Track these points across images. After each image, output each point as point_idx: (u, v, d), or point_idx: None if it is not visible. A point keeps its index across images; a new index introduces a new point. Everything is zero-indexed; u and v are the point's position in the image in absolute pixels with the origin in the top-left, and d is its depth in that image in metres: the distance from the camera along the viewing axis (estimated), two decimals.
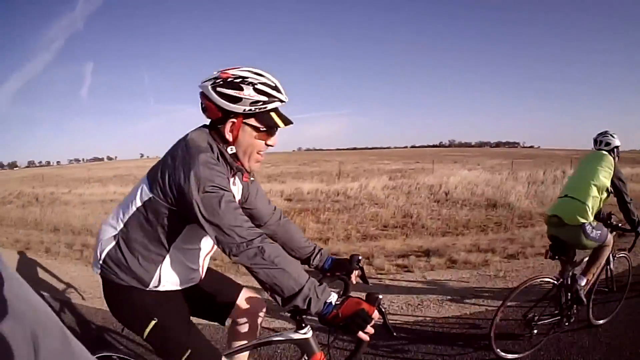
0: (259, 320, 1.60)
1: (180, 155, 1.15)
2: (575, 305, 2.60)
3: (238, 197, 1.40)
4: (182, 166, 1.12)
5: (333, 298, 1.10)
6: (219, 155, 1.21)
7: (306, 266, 1.54)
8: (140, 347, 2.36)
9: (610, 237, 2.67)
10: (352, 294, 1.26)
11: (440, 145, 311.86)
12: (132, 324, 1.28)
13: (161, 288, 1.27)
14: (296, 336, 1.30)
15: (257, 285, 1.16)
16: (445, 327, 2.92)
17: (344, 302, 1.09)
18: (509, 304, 2.44)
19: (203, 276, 1.44)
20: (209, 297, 1.49)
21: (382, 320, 1.16)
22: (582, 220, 2.53)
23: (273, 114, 1.22)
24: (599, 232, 2.60)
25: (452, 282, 3.88)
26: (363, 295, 1.13)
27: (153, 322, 1.23)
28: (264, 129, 1.22)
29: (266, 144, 1.26)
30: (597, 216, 2.84)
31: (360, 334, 1.05)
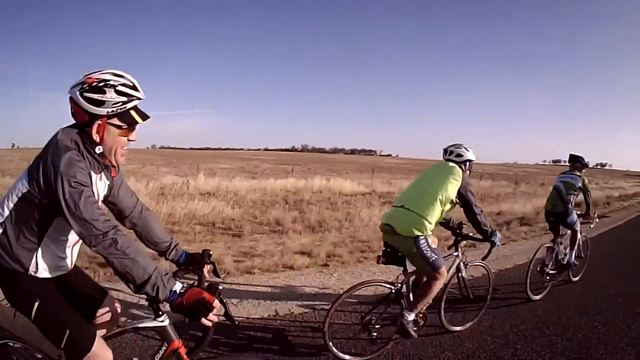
0: (117, 320, 1.66)
1: (50, 152, 1.24)
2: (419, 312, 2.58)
3: (104, 192, 1.49)
4: (51, 163, 1.21)
5: (178, 287, 1.24)
6: (86, 153, 1.31)
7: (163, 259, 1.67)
8: (33, 333, 2.02)
9: (444, 270, 2.51)
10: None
11: (293, 150, 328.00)
12: (20, 306, 1.33)
13: (39, 275, 1.35)
14: (153, 324, 1.41)
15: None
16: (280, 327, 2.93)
17: (187, 291, 1.23)
18: (346, 307, 2.43)
19: (72, 267, 1.50)
20: (79, 296, 1.53)
21: (223, 310, 1.31)
22: (417, 233, 2.42)
23: (132, 112, 1.34)
24: (434, 255, 2.44)
25: None
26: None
27: (37, 303, 1.31)
28: (126, 126, 1.34)
29: (128, 140, 1.38)
30: (447, 225, 2.92)
31: (203, 320, 1.21)
